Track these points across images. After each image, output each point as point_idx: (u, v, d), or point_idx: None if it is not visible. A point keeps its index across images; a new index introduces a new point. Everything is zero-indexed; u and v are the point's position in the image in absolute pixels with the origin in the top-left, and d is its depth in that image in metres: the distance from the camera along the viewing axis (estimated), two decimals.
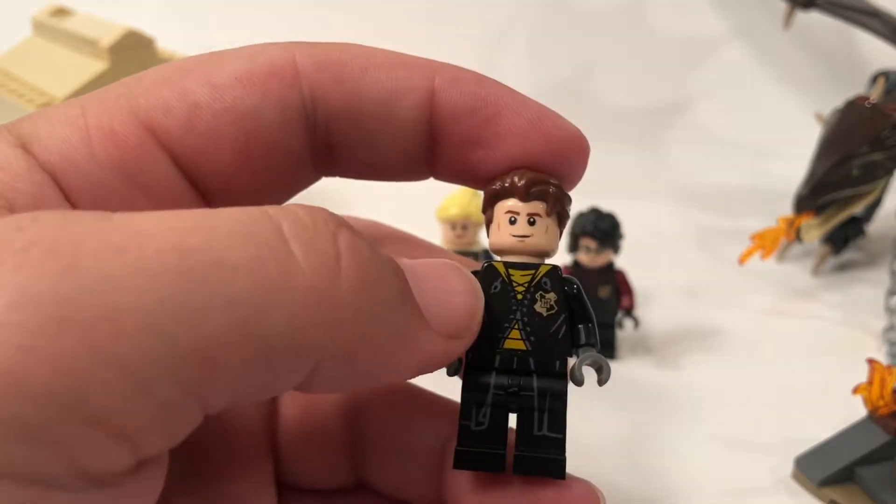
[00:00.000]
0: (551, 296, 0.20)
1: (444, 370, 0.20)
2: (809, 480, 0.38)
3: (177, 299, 0.13)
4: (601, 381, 0.20)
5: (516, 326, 0.19)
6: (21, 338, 0.12)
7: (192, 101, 0.19)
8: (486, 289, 0.20)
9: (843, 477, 0.38)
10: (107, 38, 0.55)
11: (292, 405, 0.24)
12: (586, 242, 0.48)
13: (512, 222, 0.20)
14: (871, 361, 0.38)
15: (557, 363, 0.20)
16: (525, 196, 0.20)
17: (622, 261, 0.50)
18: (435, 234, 0.51)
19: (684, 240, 0.65)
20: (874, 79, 0.60)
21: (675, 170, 0.77)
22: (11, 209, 0.17)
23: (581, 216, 0.49)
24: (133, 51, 0.56)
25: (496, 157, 0.20)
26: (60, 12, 0.62)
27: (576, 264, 0.49)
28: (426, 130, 0.20)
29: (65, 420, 0.13)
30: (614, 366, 0.49)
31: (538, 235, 0.20)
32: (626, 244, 0.49)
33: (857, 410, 0.39)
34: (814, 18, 0.65)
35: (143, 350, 0.13)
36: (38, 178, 0.18)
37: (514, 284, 0.20)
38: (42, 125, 0.19)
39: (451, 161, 0.21)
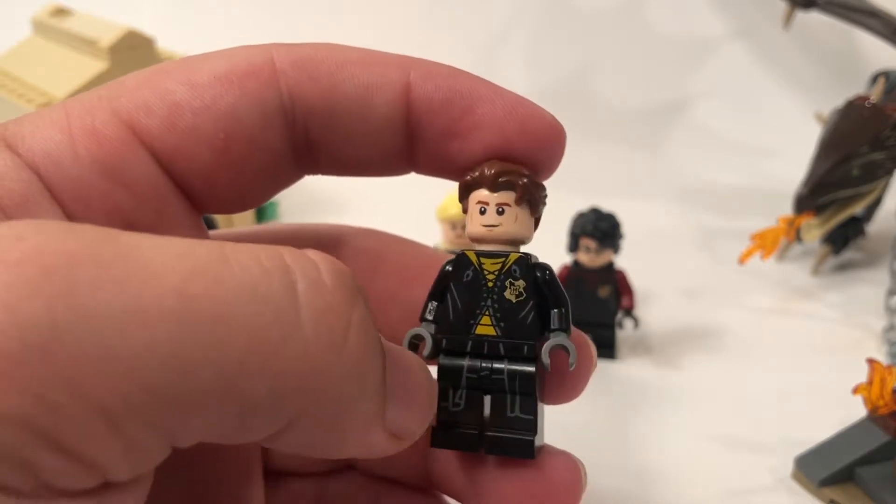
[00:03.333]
0: (520, 283, 0.20)
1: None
2: (809, 480, 0.38)
3: (167, 348, 0.13)
4: (569, 365, 0.20)
5: (487, 313, 0.20)
6: (0, 363, 0.12)
7: (172, 101, 0.19)
8: (458, 277, 0.20)
9: (843, 477, 0.38)
10: (107, 38, 0.55)
11: None
12: (586, 242, 0.48)
13: (482, 212, 0.20)
14: (871, 361, 0.38)
15: (525, 347, 0.20)
16: (494, 186, 0.20)
17: (622, 261, 0.50)
18: (435, 234, 0.51)
19: (684, 240, 0.65)
20: (874, 79, 0.60)
21: (675, 170, 0.77)
22: (0, 208, 0.17)
23: (581, 216, 0.49)
24: (133, 51, 0.56)
25: (473, 147, 0.21)
26: (60, 12, 0.62)
27: (576, 264, 0.49)
28: (403, 125, 0.21)
29: (30, 445, 0.12)
30: (614, 366, 0.49)
31: (507, 224, 0.20)
32: (626, 244, 0.49)
33: (857, 410, 0.39)
34: (814, 18, 0.65)
35: (123, 393, 0.13)
36: (25, 176, 0.18)
37: (485, 272, 0.20)
38: (26, 126, 0.19)
39: (430, 154, 0.21)
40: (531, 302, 0.20)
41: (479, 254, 0.20)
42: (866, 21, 0.60)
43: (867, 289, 0.58)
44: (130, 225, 0.19)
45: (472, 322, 0.20)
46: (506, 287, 0.20)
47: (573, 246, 0.49)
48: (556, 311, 0.21)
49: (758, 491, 0.39)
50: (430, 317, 0.21)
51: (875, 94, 0.55)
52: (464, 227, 0.50)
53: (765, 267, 0.59)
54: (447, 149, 0.21)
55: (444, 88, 0.20)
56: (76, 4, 0.63)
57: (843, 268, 0.61)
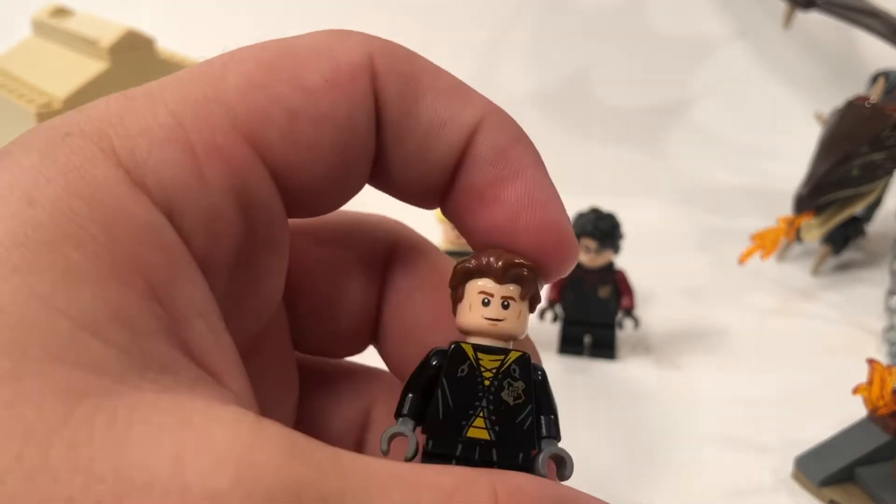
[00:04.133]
0: (519, 384, 0.19)
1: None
2: (809, 480, 0.38)
3: None
4: (563, 477, 0.19)
5: (481, 414, 0.18)
6: None
7: (289, 109, 0.17)
8: (452, 371, 0.19)
9: (843, 477, 0.38)
10: (107, 38, 0.55)
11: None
12: (586, 242, 0.48)
13: (485, 304, 0.19)
14: (871, 361, 0.38)
15: (521, 455, 0.19)
16: (501, 278, 0.19)
17: (622, 261, 0.50)
18: (434, 235, 0.51)
19: (684, 240, 0.65)
20: (874, 79, 0.60)
21: (674, 170, 0.77)
22: (154, 290, 0.15)
23: (581, 216, 0.49)
24: (133, 51, 0.56)
25: (486, 217, 0.20)
26: (60, 12, 0.62)
27: (576, 264, 0.49)
28: (453, 166, 0.20)
29: None
30: (614, 366, 0.49)
31: (511, 320, 0.19)
32: (626, 244, 0.49)
33: (857, 410, 0.39)
34: (814, 18, 0.65)
35: None
36: (156, 221, 0.15)
37: (482, 369, 0.19)
38: (140, 143, 0.16)
39: (455, 202, 0.20)
40: (530, 406, 0.18)
41: (477, 348, 0.19)
42: (866, 21, 0.60)
43: (867, 289, 0.58)
44: (242, 261, 0.18)
45: (463, 423, 0.18)
46: (503, 388, 0.18)
47: None
48: (546, 417, 0.19)
49: (758, 491, 0.39)
50: (407, 412, 0.19)
51: (875, 94, 0.55)
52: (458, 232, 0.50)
53: (765, 267, 0.59)
54: (468, 203, 0.20)
55: (499, 149, 0.19)
56: (76, 4, 0.63)
57: (843, 268, 0.61)
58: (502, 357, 0.19)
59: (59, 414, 0.12)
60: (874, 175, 0.55)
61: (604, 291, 0.49)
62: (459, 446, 0.18)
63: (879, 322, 0.52)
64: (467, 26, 0.89)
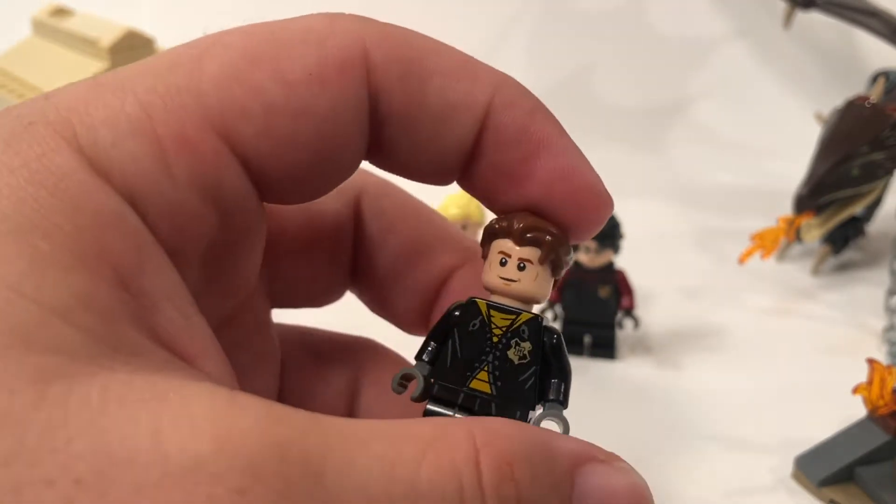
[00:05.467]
0: (526, 345, 0.19)
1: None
2: (809, 480, 0.38)
3: None
4: None
5: (486, 368, 0.19)
6: None
7: (267, 102, 0.17)
8: (464, 324, 0.19)
9: (843, 477, 0.38)
10: (107, 38, 0.55)
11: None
12: (586, 242, 0.48)
13: (502, 264, 0.19)
14: (871, 361, 0.38)
15: (518, 413, 0.19)
16: (520, 240, 0.19)
17: (622, 261, 0.50)
18: None
19: (684, 240, 0.65)
20: (874, 79, 0.60)
21: (674, 170, 0.77)
22: (121, 276, 0.15)
23: None
24: (133, 51, 0.56)
25: (520, 192, 0.20)
26: (60, 12, 0.62)
27: (576, 264, 0.49)
28: (471, 147, 0.19)
29: None
30: (614, 366, 0.49)
31: (525, 281, 0.19)
32: (626, 244, 0.49)
33: (857, 410, 0.39)
34: (814, 18, 0.65)
35: None
36: (118, 208, 0.15)
37: (493, 326, 0.19)
38: (103, 132, 0.15)
39: (480, 180, 0.20)
40: (534, 367, 0.19)
41: (490, 305, 0.19)
42: (866, 21, 0.60)
43: (867, 289, 0.58)
44: (220, 254, 0.18)
45: (468, 374, 0.19)
46: (510, 346, 0.19)
47: (573, 246, 0.49)
48: (556, 381, 0.19)
49: (758, 491, 0.39)
50: (426, 358, 0.20)
51: (875, 94, 0.55)
52: (464, 227, 0.50)
53: (765, 267, 0.59)
54: (496, 182, 0.20)
55: (518, 127, 0.19)
56: (76, 4, 0.63)
57: (843, 268, 0.61)
58: (514, 317, 0.19)
59: (32, 398, 0.12)
60: (874, 175, 0.55)
61: (604, 291, 0.49)
62: (462, 395, 0.19)
63: (879, 322, 0.52)
64: (468, 25, 0.89)
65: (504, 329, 0.19)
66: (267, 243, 0.20)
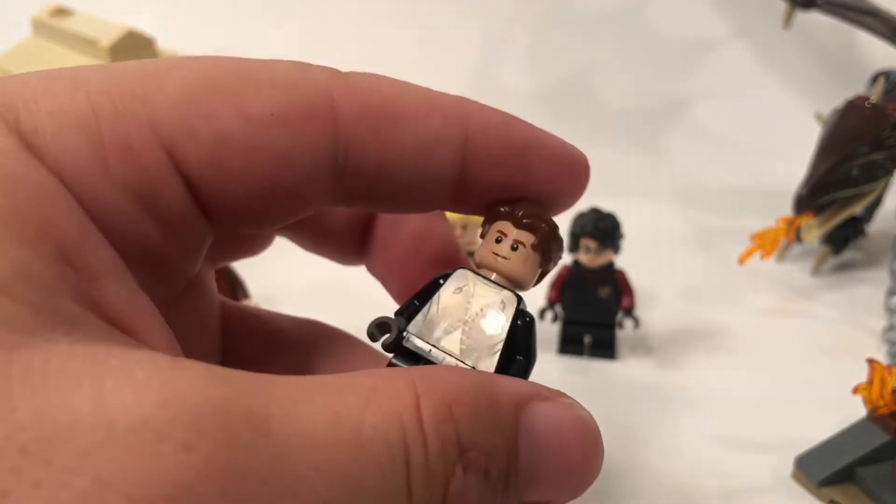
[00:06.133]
0: (501, 319, 0.20)
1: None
2: (809, 480, 0.38)
3: None
4: None
5: (459, 333, 0.20)
6: None
7: (221, 132, 0.17)
8: (449, 288, 0.21)
9: (843, 477, 0.38)
10: (107, 38, 0.55)
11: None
12: (586, 242, 0.48)
13: (497, 241, 0.21)
14: (871, 361, 0.38)
15: None
16: (518, 223, 0.21)
17: (622, 261, 0.50)
18: None
19: (684, 240, 0.65)
20: (874, 79, 0.60)
21: (674, 170, 0.77)
22: (64, 251, 0.15)
23: (581, 216, 0.49)
24: (133, 51, 0.56)
25: (518, 193, 0.21)
26: (60, 12, 0.62)
27: (576, 264, 0.49)
28: (456, 178, 0.20)
29: None
30: (614, 366, 0.49)
31: (515, 262, 0.20)
32: (626, 244, 0.49)
33: (857, 410, 0.39)
34: (814, 18, 0.65)
35: None
36: (51, 185, 0.15)
37: (475, 295, 0.20)
38: (47, 123, 0.16)
39: (476, 199, 0.21)
40: (502, 341, 0.20)
41: (477, 276, 0.21)
42: (866, 21, 0.60)
43: (867, 289, 0.58)
44: (155, 257, 0.18)
45: (442, 333, 0.20)
46: (486, 317, 0.20)
47: (573, 246, 0.49)
48: (520, 359, 0.20)
49: (758, 491, 0.39)
50: (404, 313, 0.21)
51: (875, 94, 0.55)
52: (464, 227, 0.50)
53: (765, 267, 0.59)
54: (492, 195, 0.21)
55: (499, 143, 0.20)
56: (76, 4, 0.63)
57: (843, 268, 0.61)
58: (496, 292, 0.20)
59: None
60: (874, 175, 0.55)
61: (604, 291, 0.49)
62: (431, 349, 0.20)
63: (879, 322, 0.52)
64: (468, 26, 0.89)
65: (484, 300, 0.20)
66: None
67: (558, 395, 0.18)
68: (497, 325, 0.20)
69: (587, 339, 0.50)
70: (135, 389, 0.13)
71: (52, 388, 0.12)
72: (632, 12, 0.89)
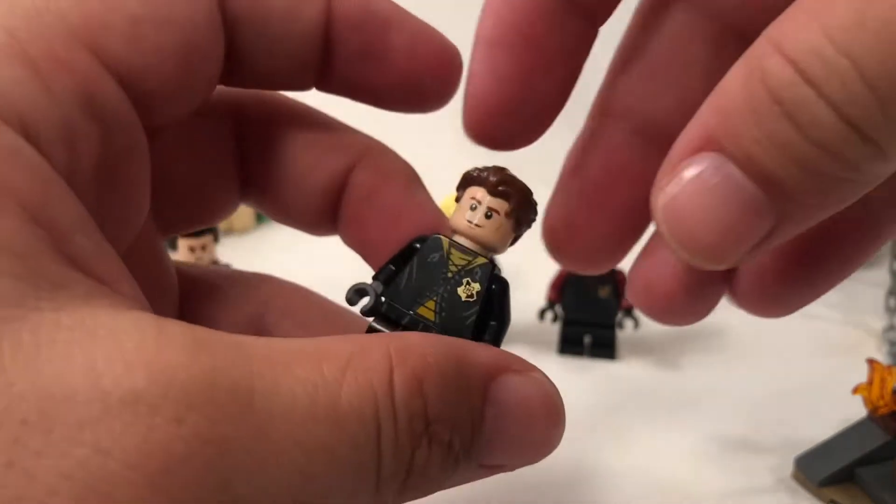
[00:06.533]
0: (475, 286, 0.21)
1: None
2: (809, 480, 0.38)
3: None
4: None
5: (435, 299, 0.21)
6: None
7: (129, 14, 0.17)
8: (424, 255, 0.21)
9: (843, 477, 0.38)
10: None
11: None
12: None
13: (472, 208, 0.21)
14: (871, 361, 0.38)
15: None
16: (492, 190, 0.21)
17: (622, 261, 0.50)
18: None
19: None
20: None
21: None
22: (30, 211, 0.14)
23: None
24: None
25: (381, 70, 0.21)
26: None
27: None
28: (322, 41, 0.21)
29: None
30: (614, 366, 0.49)
31: (488, 229, 0.21)
32: None
33: (857, 410, 0.39)
34: None
35: None
36: (16, 142, 0.15)
37: (450, 262, 0.21)
38: None
39: (344, 72, 0.21)
40: (477, 307, 0.21)
41: (452, 244, 0.21)
42: None
43: (867, 289, 0.58)
44: (105, 170, 0.17)
45: (418, 300, 0.21)
46: (461, 283, 0.21)
47: None
48: (494, 324, 0.21)
49: (758, 491, 0.39)
50: (381, 278, 0.21)
51: None
52: None
53: None
54: (361, 69, 0.21)
55: (361, 8, 0.21)
56: None
57: None
58: (470, 258, 0.21)
59: None
60: None
61: (604, 291, 0.49)
62: (407, 317, 0.20)
63: (879, 322, 0.52)
64: (467, 26, 0.89)
65: (459, 267, 0.21)
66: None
67: (529, 368, 0.19)
68: (471, 291, 0.21)
69: (587, 339, 0.50)
70: (125, 361, 0.13)
71: (46, 362, 0.13)
72: (632, 12, 0.88)
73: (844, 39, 0.13)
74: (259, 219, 0.68)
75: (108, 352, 0.13)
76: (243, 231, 0.67)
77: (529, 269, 0.47)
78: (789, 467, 0.39)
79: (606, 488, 0.38)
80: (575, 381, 0.47)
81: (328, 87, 0.22)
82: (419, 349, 0.17)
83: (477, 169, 0.21)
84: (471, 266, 0.21)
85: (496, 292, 0.21)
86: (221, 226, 0.63)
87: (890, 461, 0.37)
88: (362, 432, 0.15)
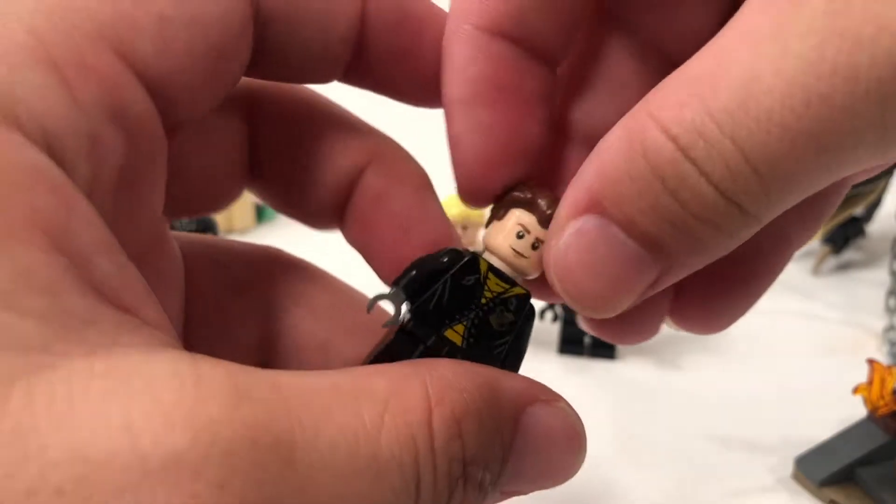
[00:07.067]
0: (509, 315, 0.20)
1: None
2: (809, 480, 0.38)
3: None
4: None
5: (465, 323, 0.20)
6: None
7: (159, 14, 0.16)
8: (459, 276, 0.20)
9: (843, 477, 0.38)
10: None
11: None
12: None
13: (519, 236, 0.20)
14: (871, 361, 0.38)
15: None
16: (544, 222, 0.20)
17: None
18: None
19: None
20: None
21: None
22: (55, 239, 0.14)
23: None
24: None
25: (416, 68, 0.21)
26: None
27: None
28: (355, 42, 0.20)
29: None
30: (614, 366, 0.49)
31: (533, 260, 0.20)
32: None
33: (857, 410, 0.39)
34: None
35: None
36: (40, 161, 0.14)
37: (486, 288, 0.20)
38: (3, 73, 0.14)
39: (372, 70, 0.21)
40: (508, 338, 0.20)
41: (491, 268, 0.20)
42: None
43: (867, 289, 0.58)
44: (125, 179, 0.17)
45: (447, 322, 0.20)
46: (494, 311, 0.20)
47: None
48: (516, 351, 0.20)
49: (758, 491, 0.39)
50: (404, 286, 0.20)
51: None
52: (464, 227, 0.50)
53: None
54: (391, 68, 0.21)
55: (396, 9, 0.20)
56: None
57: (843, 268, 0.61)
58: (508, 287, 0.20)
59: None
60: (874, 175, 0.55)
61: None
62: (433, 339, 0.20)
63: (879, 322, 0.52)
64: None
65: (495, 294, 0.20)
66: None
67: (556, 398, 0.19)
68: (504, 321, 0.20)
69: (587, 340, 0.50)
70: (164, 417, 0.12)
71: (80, 419, 0.12)
72: None
73: (728, 122, 0.14)
74: (259, 218, 0.68)
75: (145, 406, 0.12)
76: (244, 230, 0.67)
77: None
78: (789, 467, 0.39)
79: (606, 488, 0.38)
80: (575, 381, 0.47)
81: (353, 81, 0.22)
82: (457, 384, 0.16)
83: (524, 190, 0.20)
84: (507, 295, 0.20)
85: (526, 324, 0.20)
86: (221, 225, 0.64)
87: (890, 461, 0.37)
88: (401, 482, 0.15)
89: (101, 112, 0.15)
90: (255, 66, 0.20)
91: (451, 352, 0.20)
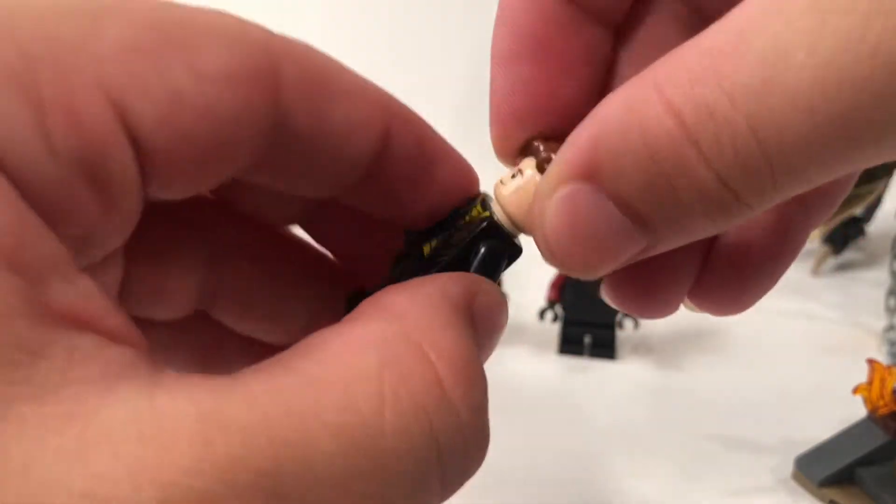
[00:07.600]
0: (467, 235, 0.21)
1: None
2: (809, 480, 0.38)
3: None
4: None
5: (436, 240, 0.21)
6: None
7: (174, 89, 0.15)
8: (460, 207, 0.21)
9: (843, 477, 0.38)
10: None
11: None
12: None
13: (513, 176, 0.21)
14: (871, 361, 0.38)
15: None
16: (540, 167, 0.20)
17: None
18: None
19: None
20: None
21: None
22: (6, 257, 0.13)
23: None
24: None
25: (418, 197, 0.21)
26: None
27: None
28: (368, 167, 0.20)
29: None
30: (614, 366, 0.49)
31: (510, 188, 0.20)
32: None
33: (857, 410, 0.39)
34: None
35: None
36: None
37: (469, 214, 0.21)
38: None
39: (375, 192, 0.21)
40: (456, 251, 0.20)
41: (482, 203, 0.21)
42: None
43: (867, 289, 0.58)
44: (91, 237, 0.16)
45: (427, 240, 0.21)
46: (461, 231, 0.21)
47: None
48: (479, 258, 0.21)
49: (758, 491, 0.39)
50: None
51: None
52: None
53: None
54: (391, 191, 0.21)
55: (415, 140, 0.20)
56: None
57: (843, 268, 0.61)
58: (485, 213, 0.20)
59: None
60: (874, 175, 0.55)
61: None
62: (414, 252, 0.21)
63: (879, 322, 0.52)
64: (466, 25, 0.89)
65: (472, 219, 0.20)
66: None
67: (483, 282, 0.19)
68: (463, 239, 0.20)
69: (587, 340, 0.50)
70: (128, 478, 0.12)
71: (36, 486, 0.11)
72: None
73: (745, 100, 0.13)
74: None
75: (106, 466, 0.12)
76: None
77: (529, 268, 0.47)
78: (789, 467, 0.39)
79: (606, 488, 0.38)
80: (575, 381, 0.47)
81: (354, 200, 0.21)
82: (437, 322, 0.16)
83: (541, 139, 0.20)
84: (479, 217, 0.20)
85: (480, 242, 0.20)
86: None
87: (890, 461, 0.37)
88: (421, 464, 0.13)
89: (74, 163, 0.14)
90: (259, 170, 0.19)
91: (413, 262, 0.21)
